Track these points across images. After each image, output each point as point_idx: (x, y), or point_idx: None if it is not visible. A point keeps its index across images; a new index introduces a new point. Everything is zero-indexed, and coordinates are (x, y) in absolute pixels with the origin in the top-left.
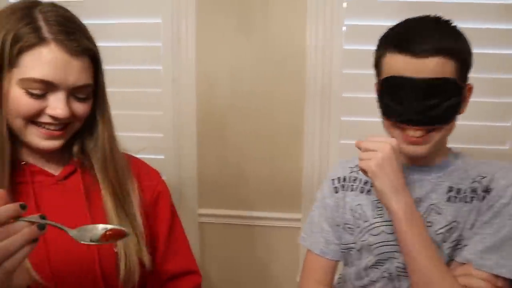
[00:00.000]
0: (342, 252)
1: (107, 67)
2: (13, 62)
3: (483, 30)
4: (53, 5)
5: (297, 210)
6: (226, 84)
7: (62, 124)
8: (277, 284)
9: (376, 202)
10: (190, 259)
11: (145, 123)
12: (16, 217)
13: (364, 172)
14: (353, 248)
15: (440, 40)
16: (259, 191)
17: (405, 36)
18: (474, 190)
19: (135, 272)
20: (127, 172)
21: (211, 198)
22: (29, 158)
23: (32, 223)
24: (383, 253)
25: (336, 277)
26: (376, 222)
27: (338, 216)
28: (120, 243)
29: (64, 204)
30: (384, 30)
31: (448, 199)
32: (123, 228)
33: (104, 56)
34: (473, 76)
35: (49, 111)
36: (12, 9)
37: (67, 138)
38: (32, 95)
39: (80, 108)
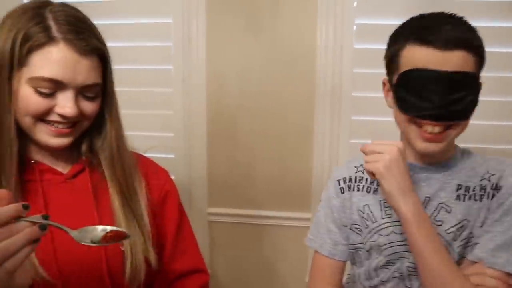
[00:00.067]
0: (350, 252)
1: (118, 66)
2: (22, 61)
3: (490, 28)
4: (63, 5)
5: (306, 210)
6: (236, 84)
7: (71, 123)
8: (285, 283)
9: (383, 201)
10: (197, 258)
11: (156, 122)
12: (18, 217)
13: (371, 174)
14: (361, 248)
15: (463, 33)
16: (269, 190)
17: (428, 28)
18: (483, 188)
19: (141, 270)
20: (135, 170)
21: (221, 197)
22: (38, 156)
23: (34, 223)
24: (393, 253)
25: (345, 277)
26: (385, 223)
27: (345, 216)
28: (126, 242)
29: (72, 202)
30: (395, 29)
31: (457, 197)
32: (123, 230)
33: (116, 56)
34: (481, 74)
35: (58, 109)
36: (24, 8)
37: (76, 136)
38: (41, 93)
39: (89, 107)
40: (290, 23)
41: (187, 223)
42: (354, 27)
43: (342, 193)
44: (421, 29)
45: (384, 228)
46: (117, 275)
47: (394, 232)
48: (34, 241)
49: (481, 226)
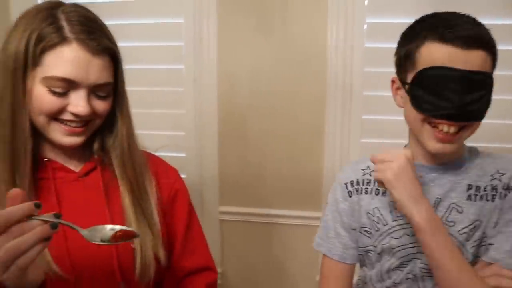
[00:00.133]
0: (359, 254)
1: (130, 66)
2: (36, 61)
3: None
4: (75, 5)
5: (317, 209)
6: (247, 84)
7: (83, 121)
8: (295, 282)
9: (392, 203)
10: (206, 256)
11: (167, 121)
12: (30, 216)
13: (381, 183)
14: (371, 251)
15: (481, 33)
16: (280, 189)
17: (448, 26)
18: (494, 188)
19: (151, 267)
20: (145, 169)
21: (232, 196)
22: (51, 154)
23: (45, 222)
24: (406, 255)
25: (354, 278)
26: (397, 225)
27: (354, 220)
28: (137, 240)
29: (84, 200)
30: (407, 27)
31: (469, 197)
32: (132, 229)
33: (127, 56)
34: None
35: (71, 108)
36: (37, 9)
37: (88, 135)
38: (54, 93)
39: (101, 105)
40: (300, 23)
41: (197, 222)
42: (365, 26)
43: (350, 196)
44: (440, 26)
45: (396, 230)
46: (127, 271)
47: (406, 235)
48: (46, 239)
49: (495, 227)
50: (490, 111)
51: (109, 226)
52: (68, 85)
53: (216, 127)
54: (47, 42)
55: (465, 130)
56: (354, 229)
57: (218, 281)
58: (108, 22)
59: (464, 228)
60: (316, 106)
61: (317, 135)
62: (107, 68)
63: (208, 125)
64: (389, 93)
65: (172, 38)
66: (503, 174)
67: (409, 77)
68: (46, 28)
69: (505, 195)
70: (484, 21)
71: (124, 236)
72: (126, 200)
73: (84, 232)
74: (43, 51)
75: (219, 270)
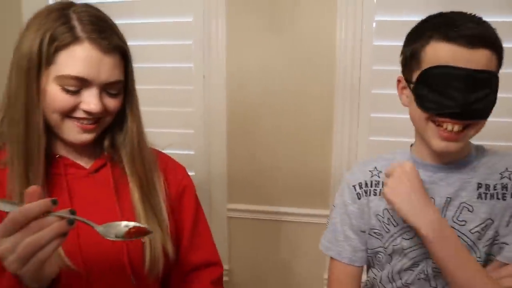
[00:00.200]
0: (368, 256)
1: (140, 65)
2: (50, 60)
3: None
4: (86, 5)
5: (325, 207)
6: (256, 82)
7: (95, 119)
8: (302, 279)
9: None
10: (212, 251)
11: (177, 119)
12: (47, 212)
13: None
14: (381, 252)
15: (486, 33)
16: (288, 187)
17: (453, 26)
18: (504, 187)
19: (160, 261)
20: (154, 166)
21: (240, 194)
22: (63, 151)
23: (62, 218)
24: (418, 255)
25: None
26: (408, 226)
27: (363, 222)
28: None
29: (95, 196)
30: (413, 27)
31: (479, 196)
32: (146, 226)
33: (137, 55)
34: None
35: (83, 106)
36: (49, 10)
37: (100, 131)
38: (67, 91)
39: (112, 103)
40: (309, 21)
41: (203, 217)
42: (374, 24)
43: (359, 198)
44: (445, 26)
45: (408, 231)
46: (137, 266)
47: (417, 235)
48: (63, 234)
49: (507, 226)
50: (495, 109)
51: (124, 223)
52: (80, 83)
53: (225, 125)
54: (60, 42)
55: (470, 129)
56: (363, 232)
57: (226, 278)
58: (118, 21)
59: (475, 227)
60: (325, 104)
61: (326, 133)
62: (118, 66)
63: (216, 123)
64: (397, 91)
65: (181, 37)
66: None
67: (414, 76)
68: (58, 28)
69: None
70: (492, 18)
71: (138, 233)
72: (136, 196)
73: (99, 228)
74: (56, 50)
75: (226, 267)
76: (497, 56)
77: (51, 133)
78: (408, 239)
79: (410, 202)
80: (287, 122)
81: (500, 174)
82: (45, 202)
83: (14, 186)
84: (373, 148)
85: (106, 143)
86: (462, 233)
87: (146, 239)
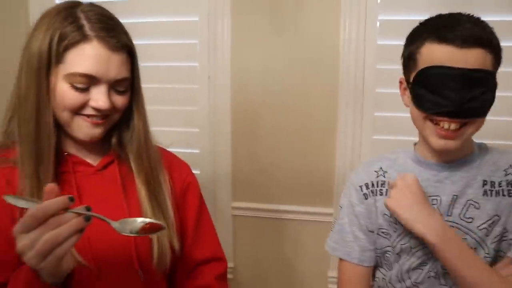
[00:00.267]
0: (376, 256)
1: (146, 64)
2: (59, 59)
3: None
4: (92, 4)
5: (328, 205)
6: (260, 81)
7: (103, 115)
8: (306, 277)
9: None
10: (216, 246)
11: (182, 118)
12: (65, 209)
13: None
14: (389, 251)
15: (481, 32)
16: (292, 185)
17: (447, 27)
18: (510, 183)
19: (167, 255)
20: (159, 164)
21: (245, 192)
22: (72, 149)
23: (79, 214)
24: (426, 253)
25: None
26: None
27: (371, 222)
28: None
29: (102, 193)
30: (413, 28)
31: (485, 193)
32: (160, 222)
33: (143, 54)
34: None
35: (92, 103)
36: (56, 10)
37: (108, 128)
38: (77, 89)
39: (120, 100)
40: (313, 21)
41: (207, 213)
42: (377, 24)
43: (366, 199)
44: (440, 27)
45: None
46: (145, 261)
47: None
48: (80, 230)
49: None
50: (495, 108)
51: (140, 219)
52: (89, 81)
53: (230, 124)
54: (69, 41)
55: (468, 127)
56: (372, 231)
57: (230, 276)
58: (124, 20)
59: (482, 223)
60: (328, 103)
61: (329, 132)
62: (125, 63)
63: (221, 122)
64: None
65: (187, 36)
66: None
67: (412, 77)
68: (67, 27)
69: None
70: (493, 18)
71: (152, 229)
72: (142, 193)
73: (115, 224)
74: (66, 49)
75: (231, 265)
76: (493, 55)
77: (60, 132)
78: (416, 237)
79: (413, 213)
80: (291, 122)
81: (505, 171)
82: (63, 199)
83: (25, 184)
84: (376, 147)
85: (114, 140)
86: (470, 230)
87: (153, 235)
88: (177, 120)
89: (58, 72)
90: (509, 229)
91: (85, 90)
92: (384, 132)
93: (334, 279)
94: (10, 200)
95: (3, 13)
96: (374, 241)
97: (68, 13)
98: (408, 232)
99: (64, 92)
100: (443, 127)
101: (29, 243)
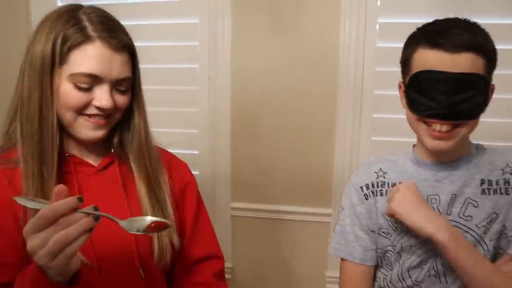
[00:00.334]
0: (378, 256)
1: (146, 65)
2: (63, 60)
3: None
4: (94, 7)
5: (327, 206)
6: (260, 82)
7: (106, 115)
8: (304, 277)
9: None
10: (214, 244)
11: (182, 119)
12: (74, 209)
13: (391, 215)
14: (390, 251)
15: (472, 37)
16: (291, 186)
17: (439, 33)
18: (507, 182)
19: (167, 252)
20: (159, 163)
21: (244, 193)
22: (74, 150)
23: (88, 214)
24: (426, 252)
25: None
26: None
27: (372, 222)
28: None
29: (103, 193)
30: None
31: (483, 192)
32: (166, 220)
33: (144, 55)
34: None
35: (96, 102)
36: (59, 13)
37: (110, 128)
38: (80, 88)
39: (121, 99)
40: (313, 22)
41: (205, 212)
42: (377, 26)
43: (367, 199)
44: (432, 33)
45: None
46: (146, 258)
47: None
48: (89, 230)
49: None
50: (495, 110)
51: (148, 218)
52: (92, 81)
53: (229, 125)
54: (72, 42)
55: (460, 128)
56: (373, 231)
57: (229, 276)
58: (124, 22)
59: (481, 221)
60: (328, 104)
61: (328, 132)
62: (127, 63)
63: (221, 123)
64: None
65: (187, 38)
66: None
67: (406, 81)
68: (70, 29)
69: None
70: (492, 21)
71: (158, 227)
72: (143, 191)
73: (123, 223)
74: (69, 50)
75: (230, 265)
76: (486, 59)
77: (62, 132)
78: (416, 236)
79: (419, 212)
80: (291, 122)
81: (502, 170)
82: (72, 199)
83: (29, 185)
84: (375, 148)
85: (115, 140)
86: (469, 228)
87: (154, 233)
88: (177, 121)
89: (62, 73)
90: (508, 227)
91: (88, 90)
92: (382, 133)
93: (332, 279)
94: (21, 201)
95: (4, 13)
96: (375, 241)
97: (70, 15)
98: (408, 231)
99: (68, 92)
100: (435, 128)
101: (40, 242)
